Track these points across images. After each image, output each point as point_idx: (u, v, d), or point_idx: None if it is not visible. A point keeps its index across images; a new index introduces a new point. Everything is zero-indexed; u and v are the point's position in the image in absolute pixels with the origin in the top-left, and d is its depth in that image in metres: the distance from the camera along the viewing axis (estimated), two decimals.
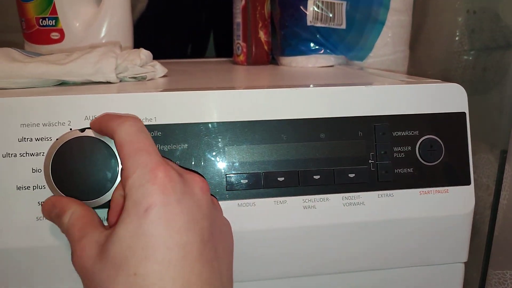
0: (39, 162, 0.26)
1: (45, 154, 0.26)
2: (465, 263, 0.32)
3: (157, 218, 0.20)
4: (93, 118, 0.27)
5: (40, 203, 0.26)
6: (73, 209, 0.24)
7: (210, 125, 0.28)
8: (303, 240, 0.29)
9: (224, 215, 0.28)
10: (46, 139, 0.26)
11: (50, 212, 0.25)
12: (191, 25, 0.85)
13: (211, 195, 0.27)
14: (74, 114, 0.27)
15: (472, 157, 0.40)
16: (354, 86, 0.30)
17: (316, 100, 0.29)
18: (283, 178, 0.28)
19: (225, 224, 0.26)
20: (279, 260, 0.29)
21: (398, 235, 0.30)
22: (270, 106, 0.29)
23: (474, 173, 0.45)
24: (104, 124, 0.24)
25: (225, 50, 0.74)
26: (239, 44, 0.58)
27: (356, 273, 0.31)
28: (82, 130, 0.26)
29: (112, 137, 0.24)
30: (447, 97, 0.30)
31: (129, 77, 0.37)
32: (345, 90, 0.30)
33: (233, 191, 0.28)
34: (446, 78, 0.31)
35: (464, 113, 0.31)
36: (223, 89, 0.29)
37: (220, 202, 0.28)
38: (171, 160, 0.26)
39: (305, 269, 0.30)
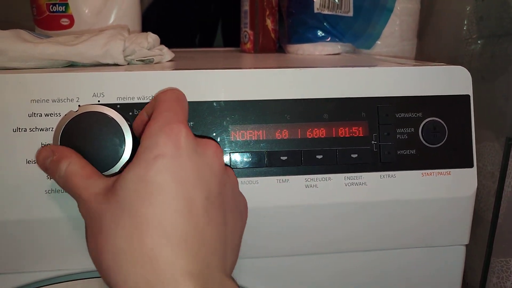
0: (48, 137, 0.27)
1: (53, 129, 0.27)
2: (468, 251, 0.32)
3: (165, 168, 0.21)
4: (102, 94, 0.28)
5: (48, 177, 0.27)
6: (73, 158, 0.24)
7: (215, 103, 0.28)
8: (304, 218, 0.29)
9: None
10: (55, 115, 0.27)
11: (46, 158, 0.25)
12: (199, 16, 0.86)
13: (228, 166, 0.27)
14: (82, 91, 0.28)
15: (478, 145, 0.40)
16: (358, 67, 0.30)
17: (320, 80, 0.29)
18: (286, 157, 0.29)
19: (240, 196, 0.26)
20: (281, 238, 0.29)
21: (399, 216, 0.30)
22: (274, 86, 0.29)
23: (479, 161, 0.45)
24: (151, 102, 0.26)
25: (233, 40, 0.74)
26: (246, 32, 0.58)
27: (356, 253, 0.31)
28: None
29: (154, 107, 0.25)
30: (451, 80, 0.30)
31: (137, 60, 0.38)
32: (349, 71, 0.30)
33: (237, 169, 0.28)
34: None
35: (468, 96, 0.31)
36: (228, 68, 0.29)
37: None
38: None
39: (307, 248, 0.30)
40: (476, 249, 0.46)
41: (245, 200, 0.27)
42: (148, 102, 0.28)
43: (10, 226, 0.27)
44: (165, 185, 0.20)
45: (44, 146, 0.26)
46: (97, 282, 0.28)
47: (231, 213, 0.24)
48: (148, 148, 0.21)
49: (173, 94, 0.25)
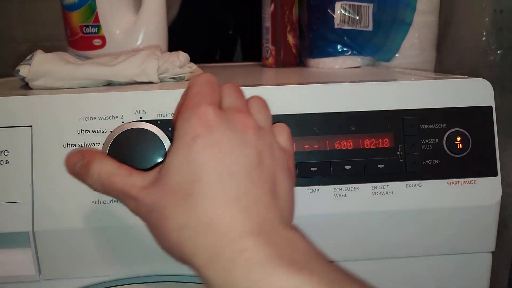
0: None
1: (101, 145, 0.29)
2: (494, 259, 0.33)
3: (202, 146, 0.22)
4: (144, 112, 0.30)
5: None
6: (104, 160, 0.25)
7: None
8: (334, 227, 0.31)
9: None
10: (101, 131, 0.29)
11: (76, 162, 0.25)
12: (220, 31, 0.88)
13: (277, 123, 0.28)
14: (126, 109, 0.30)
15: (501, 153, 0.41)
16: (383, 81, 0.32)
17: (347, 95, 0.31)
18: (315, 168, 0.30)
19: (282, 153, 0.26)
20: None
21: (426, 224, 0.31)
22: (303, 101, 0.31)
23: (502, 169, 0.46)
24: (185, 90, 0.27)
25: (251, 54, 0.76)
26: (268, 47, 0.60)
27: (384, 260, 0.32)
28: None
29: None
30: (473, 92, 0.32)
31: (169, 78, 0.40)
32: (374, 85, 0.31)
33: None
34: (474, 77, 0.32)
35: (490, 107, 0.32)
36: (256, 85, 0.31)
37: None
38: None
39: (335, 256, 0.31)
40: (502, 256, 0.46)
41: (291, 155, 0.27)
42: None
43: (62, 234, 0.29)
44: (207, 162, 0.22)
45: (71, 151, 0.26)
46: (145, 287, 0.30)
47: (275, 170, 0.25)
48: (184, 132, 0.23)
49: (202, 78, 0.26)
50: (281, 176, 0.25)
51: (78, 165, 0.25)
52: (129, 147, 0.28)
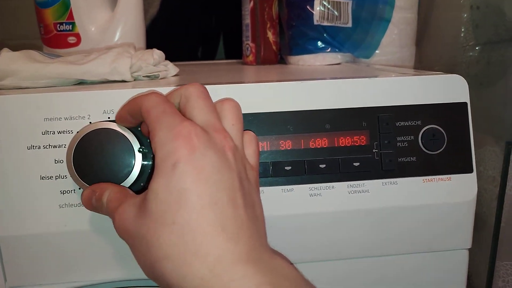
0: (62, 154, 0.28)
1: (67, 146, 0.28)
2: (472, 255, 0.33)
3: (184, 171, 0.22)
4: (112, 111, 0.29)
5: (62, 192, 0.28)
6: (110, 189, 0.25)
7: None
8: (309, 226, 0.30)
9: None
10: (67, 132, 0.28)
11: (90, 198, 0.26)
12: (201, 29, 0.87)
13: (249, 131, 0.27)
14: (93, 109, 0.29)
15: (479, 150, 0.41)
16: (358, 78, 0.31)
17: (322, 92, 0.30)
18: (290, 167, 0.30)
19: (251, 171, 0.26)
20: (286, 246, 0.30)
21: (402, 222, 0.31)
22: (277, 98, 0.30)
23: (480, 165, 0.46)
24: (131, 105, 0.26)
25: (234, 52, 0.75)
26: (248, 44, 0.59)
27: (361, 260, 0.32)
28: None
29: (139, 113, 0.25)
30: (448, 88, 0.31)
31: (143, 76, 0.39)
32: (349, 82, 0.31)
33: None
34: (452, 73, 0.32)
35: (465, 103, 0.31)
36: (231, 83, 0.30)
37: None
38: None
39: (311, 255, 0.31)
40: (481, 253, 0.47)
41: (257, 171, 0.27)
42: None
43: (26, 240, 0.28)
44: (189, 189, 0.21)
45: (84, 190, 0.27)
46: None
47: (252, 192, 0.24)
48: (164, 158, 0.22)
49: (157, 97, 0.25)
50: (256, 197, 0.25)
51: (93, 200, 0.26)
52: (96, 148, 0.27)
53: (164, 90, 0.29)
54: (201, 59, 0.86)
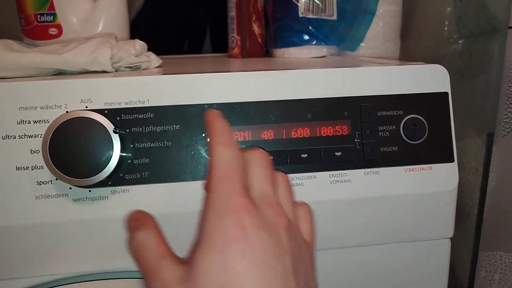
0: (37, 144, 0.27)
1: (42, 136, 0.27)
2: (456, 246, 0.33)
3: (240, 253, 0.21)
4: (89, 101, 0.28)
5: (39, 182, 0.28)
6: (150, 231, 0.24)
7: (200, 107, 0.29)
8: None
9: None
10: (43, 122, 0.28)
11: (134, 221, 0.25)
12: (188, 22, 0.86)
13: (302, 203, 0.27)
14: (70, 98, 0.28)
15: (461, 142, 0.41)
16: (339, 68, 0.31)
17: (304, 82, 0.30)
18: (272, 157, 0.29)
19: (304, 245, 0.25)
20: None
21: (384, 211, 0.31)
22: (259, 88, 0.30)
23: (463, 157, 0.46)
24: (209, 131, 0.25)
25: (221, 47, 0.75)
26: (234, 37, 0.59)
27: (342, 250, 0.32)
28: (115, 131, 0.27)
29: (210, 149, 0.25)
30: (430, 78, 0.31)
31: (124, 67, 0.38)
32: (331, 72, 0.31)
33: None
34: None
35: (446, 93, 0.32)
36: (212, 72, 0.30)
37: None
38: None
39: None
40: (464, 244, 0.47)
41: (313, 247, 0.26)
42: (135, 108, 0.28)
43: (1, 231, 0.27)
44: (245, 272, 0.21)
45: (132, 212, 0.26)
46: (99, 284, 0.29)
47: (307, 273, 0.24)
48: (217, 230, 0.21)
49: (227, 153, 0.24)
50: (311, 277, 0.24)
51: (131, 225, 0.25)
52: (73, 138, 0.26)
53: (145, 80, 0.29)
54: (188, 53, 0.85)
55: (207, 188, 0.23)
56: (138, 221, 0.25)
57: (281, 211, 0.24)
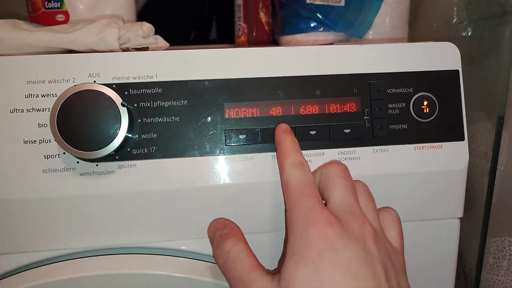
0: (45, 117, 0.27)
1: (50, 110, 0.27)
2: (464, 233, 0.33)
3: (332, 264, 0.21)
4: (98, 75, 0.28)
5: (46, 156, 0.27)
6: (240, 242, 0.24)
7: (208, 82, 0.29)
8: None
9: (223, 169, 0.29)
10: (51, 95, 0.28)
11: (217, 230, 0.25)
12: (194, 13, 0.86)
13: (388, 209, 0.27)
14: (78, 72, 0.28)
15: (471, 126, 0.41)
16: (349, 44, 0.31)
17: (313, 58, 0.30)
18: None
19: (393, 252, 0.25)
20: (277, 212, 0.30)
21: (393, 190, 0.31)
22: (268, 64, 0.30)
23: (472, 142, 0.46)
24: (278, 152, 0.26)
25: (227, 39, 0.75)
26: (240, 25, 0.59)
27: None
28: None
29: (280, 171, 0.25)
30: (440, 56, 0.31)
31: (131, 48, 0.38)
32: (341, 49, 0.30)
33: (232, 146, 0.29)
34: None
35: (457, 71, 0.31)
36: (221, 47, 0.29)
37: (219, 157, 0.29)
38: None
39: None
40: (472, 230, 0.46)
41: (402, 252, 0.26)
42: (143, 83, 0.28)
43: (8, 205, 0.27)
44: (339, 282, 0.20)
45: (218, 219, 0.26)
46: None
47: (399, 280, 0.24)
48: (305, 242, 0.21)
49: (300, 174, 0.25)
50: (404, 283, 0.24)
51: (218, 233, 0.25)
52: (81, 111, 0.26)
53: (153, 55, 0.29)
54: (193, 43, 0.85)
55: (286, 210, 0.24)
56: (225, 229, 0.25)
57: (366, 220, 0.24)
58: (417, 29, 0.55)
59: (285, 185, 0.24)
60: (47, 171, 0.27)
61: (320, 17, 0.53)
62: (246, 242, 0.25)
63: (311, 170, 0.27)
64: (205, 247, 0.29)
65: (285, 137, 0.26)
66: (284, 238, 0.29)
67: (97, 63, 0.28)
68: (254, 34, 0.58)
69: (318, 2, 0.52)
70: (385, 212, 0.27)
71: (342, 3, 0.52)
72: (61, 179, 0.27)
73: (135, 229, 0.29)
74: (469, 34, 0.46)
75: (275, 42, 0.60)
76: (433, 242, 0.32)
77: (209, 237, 0.27)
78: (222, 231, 0.25)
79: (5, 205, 0.27)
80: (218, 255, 0.25)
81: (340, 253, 0.21)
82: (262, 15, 0.58)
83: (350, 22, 0.53)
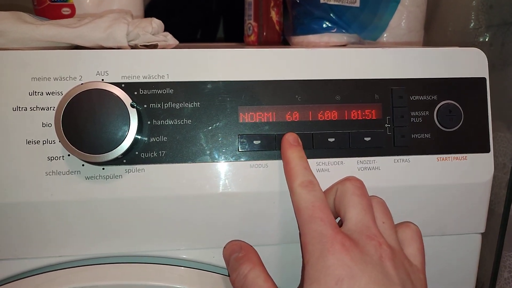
0: (50, 117, 0.26)
1: (55, 108, 0.26)
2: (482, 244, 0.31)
3: None
4: (106, 73, 0.26)
5: (50, 158, 0.26)
6: (257, 266, 0.24)
7: (223, 83, 0.27)
8: None
9: (236, 176, 0.27)
10: (57, 94, 0.26)
11: (233, 252, 0.25)
12: (202, 11, 0.85)
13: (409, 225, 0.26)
14: (86, 69, 0.26)
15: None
16: (370, 48, 0.29)
17: (333, 61, 0.28)
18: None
19: (413, 270, 0.25)
20: (292, 222, 0.28)
21: (413, 202, 0.29)
22: (285, 66, 0.28)
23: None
24: (286, 172, 0.26)
25: (235, 37, 0.73)
26: (250, 24, 0.57)
27: None
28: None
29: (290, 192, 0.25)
30: (466, 62, 0.30)
31: (140, 45, 0.37)
32: (361, 52, 0.29)
33: (245, 152, 0.27)
34: None
35: (484, 79, 0.30)
36: (230, 46, 0.28)
37: (231, 163, 0.27)
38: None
39: None
40: (487, 243, 0.45)
41: (423, 269, 0.25)
42: (154, 82, 0.27)
43: (9, 208, 0.26)
44: None
45: (234, 241, 0.26)
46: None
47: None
48: (323, 273, 0.21)
49: (310, 195, 0.24)
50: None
51: (234, 256, 0.25)
52: (87, 111, 0.25)
53: (165, 53, 0.27)
54: (200, 41, 0.84)
55: (300, 234, 0.23)
56: (240, 252, 0.25)
57: (383, 240, 0.23)
58: (433, 33, 0.53)
59: (296, 208, 0.24)
60: (50, 173, 0.26)
61: (334, 17, 0.51)
62: (263, 265, 0.25)
63: (329, 181, 0.26)
64: (215, 258, 0.28)
65: (292, 153, 0.25)
66: (301, 262, 0.27)
67: (105, 61, 0.27)
68: (264, 33, 0.56)
69: (332, 2, 0.51)
70: (405, 228, 0.26)
71: (357, 4, 0.50)
72: (65, 182, 0.26)
73: (141, 237, 0.27)
74: (490, 40, 0.45)
75: (285, 42, 0.58)
76: (453, 258, 0.31)
77: (224, 259, 0.26)
78: (238, 254, 0.25)
79: (5, 209, 0.26)
80: (234, 279, 0.24)
81: (358, 279, 0.21)
82: (273, 14, 0.56)
83: (364, 24, 0.51)
